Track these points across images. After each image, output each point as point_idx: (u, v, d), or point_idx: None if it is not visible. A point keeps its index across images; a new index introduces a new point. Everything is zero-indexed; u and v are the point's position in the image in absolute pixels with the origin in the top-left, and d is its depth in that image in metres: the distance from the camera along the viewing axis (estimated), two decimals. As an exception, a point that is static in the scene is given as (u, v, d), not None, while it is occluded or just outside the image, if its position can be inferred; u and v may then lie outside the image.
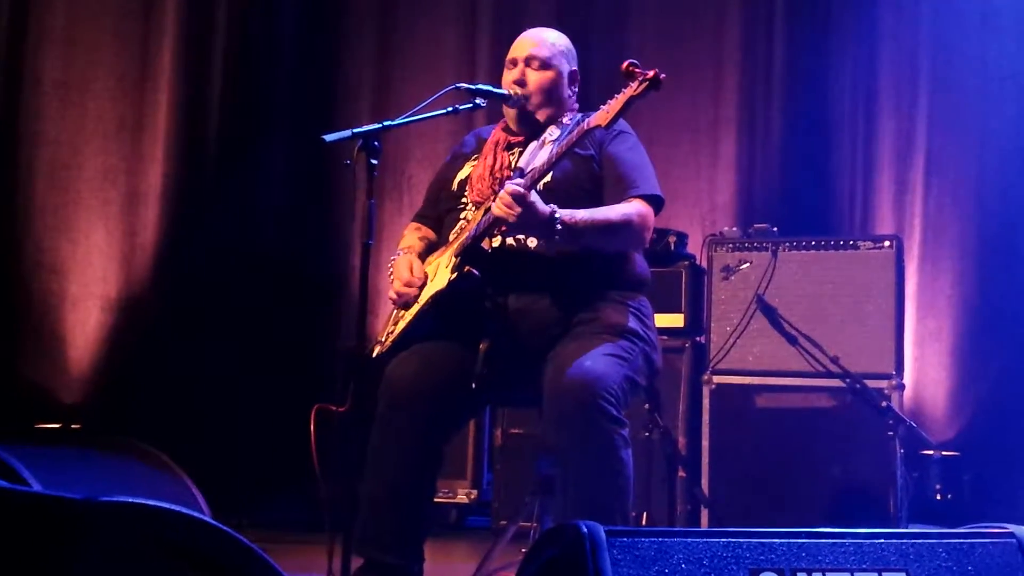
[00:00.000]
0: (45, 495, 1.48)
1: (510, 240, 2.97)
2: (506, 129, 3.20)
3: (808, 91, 5.58)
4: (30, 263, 5.42)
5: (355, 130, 2.84)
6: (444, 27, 6.01)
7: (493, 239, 2.97)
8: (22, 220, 5.42)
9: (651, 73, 2.75)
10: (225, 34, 5.76)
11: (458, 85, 3.10)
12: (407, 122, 3.00)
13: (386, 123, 2.90)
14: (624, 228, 2.95)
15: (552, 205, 2.83)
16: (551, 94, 3.14)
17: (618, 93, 2.80)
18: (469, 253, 2.95)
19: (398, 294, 3.09)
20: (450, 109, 3.07)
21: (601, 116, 2.82)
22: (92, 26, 5.57)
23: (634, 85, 2.77)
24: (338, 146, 2.85)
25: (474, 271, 2.91)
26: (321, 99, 5.94)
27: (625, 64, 2.80)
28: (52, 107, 5.50)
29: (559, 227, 2.81)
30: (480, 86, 3.14)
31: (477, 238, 2.95)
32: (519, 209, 2.76)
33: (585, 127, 2.85)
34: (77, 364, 5.39)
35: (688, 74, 5.66)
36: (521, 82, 3.13)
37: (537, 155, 3.03)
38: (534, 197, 2.81)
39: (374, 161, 2.82)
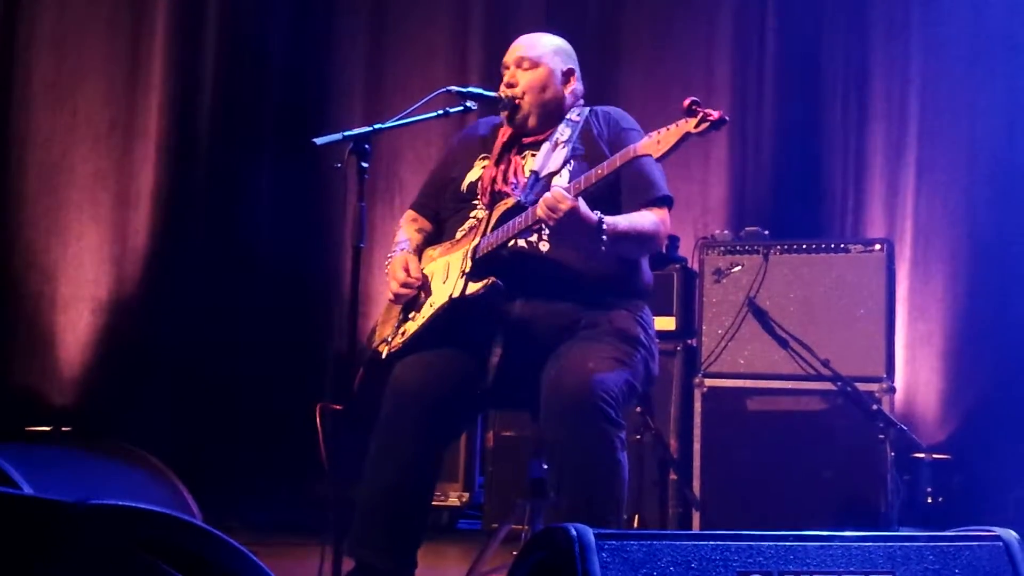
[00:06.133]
0: (36, 498, 1.48)
1: (522, 242, 2.95)
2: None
3: (800, 94, 5.61)
4: (20, 265, 5.41)
5: (346, 133, 2.84)
6: (436, 29, 6.02)
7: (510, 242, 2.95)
8: (12, 222, 5.41)
9: (716, 115, 2.63)
10: (216, 36, 5.76)
11: (449, 88, 3.10)
12: (397, 125, 3.01)
13: (377, 126, 2.90)
14: (653, 238, 2.99)
15: (597, 212, 2.79)
16: (542, 92, 3.13)
17: (671, 124, 2.70)
18: (487, 258, 2.94)
19: (396, 295, 3.09)
20: (440, 112, 3.06)
21: (651, 146, 2.72)
22: (82, 28, 5.57)
23: (694, 121, 2.64)
24: (329, 149, 2.85)
25: (499, 282, 2.89)
26: (312, 102, 5.94)
27: (687, 101, 2.65)
28: (43, 109, 5.49)
29: (605, 236, 2.79)
30: (471, 89, 3.13)
31: (506, 243, 2.93)
32: (563, 213, 2.72)
33: (632, 154, 2.78)
34: (68, 366, 5.38)
35: (679, 76, 5.68)
36: (512, 84, 3.13)
37: (551, 157, 3.03)
38: (583, 205, 2.77)
39: (364, 164, 2.82)
